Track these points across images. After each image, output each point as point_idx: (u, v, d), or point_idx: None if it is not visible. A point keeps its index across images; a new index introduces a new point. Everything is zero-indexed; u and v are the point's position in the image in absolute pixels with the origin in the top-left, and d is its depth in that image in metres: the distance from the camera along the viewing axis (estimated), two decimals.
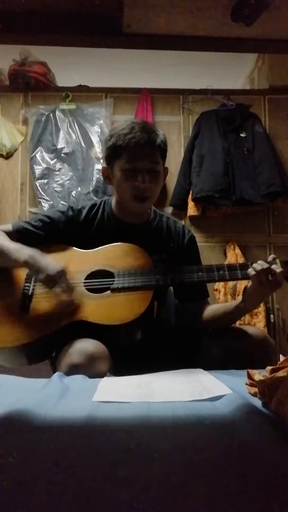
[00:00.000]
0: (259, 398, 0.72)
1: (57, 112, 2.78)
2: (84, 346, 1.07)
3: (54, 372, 1.03)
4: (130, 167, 1.22)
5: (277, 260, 1.17)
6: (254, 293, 1.17)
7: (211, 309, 1.30)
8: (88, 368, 1.02)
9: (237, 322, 1.58)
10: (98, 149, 2.70)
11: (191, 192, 2.67)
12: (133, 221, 1.33)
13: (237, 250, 2.69)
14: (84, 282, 1.21)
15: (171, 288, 1.40)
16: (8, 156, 2.79)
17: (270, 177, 2.61)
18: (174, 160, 2.76)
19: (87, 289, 1.19)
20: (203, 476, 0.50)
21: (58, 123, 2.76)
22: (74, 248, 1.29)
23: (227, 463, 0.53)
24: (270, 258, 1.18)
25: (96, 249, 1.28)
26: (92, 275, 1.22)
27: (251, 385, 0.80)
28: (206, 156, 2.67)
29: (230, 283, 2.58)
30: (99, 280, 1.20)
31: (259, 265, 1.14)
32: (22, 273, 1.26)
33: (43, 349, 1.21)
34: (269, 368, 0.74)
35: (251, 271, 1.14)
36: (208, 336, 1.26)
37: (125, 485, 0.48)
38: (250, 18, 1.90)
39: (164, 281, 1.21)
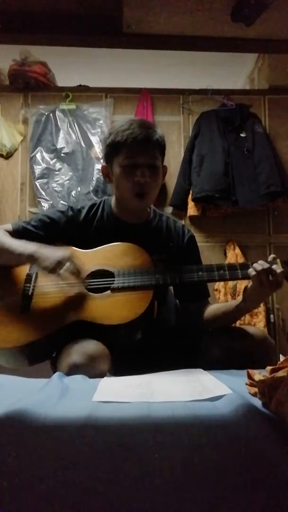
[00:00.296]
0: (259, 398, 0.73)
1: (57, 112, 2.77)
2: (84, 346, 1.07)
3: (54, 372, 1.03)
4: (129, 162, 1.22)
5: (278, 260, 1.17)
6: (255, 293, 1.17)
7: (211, 309, 1.30)
8: (88, 368, 1.02)
9: (237, 322, 1.59)
10: (98, 149, 2.70)
11: (191, 192, 2.67)
12: (132, 221, 1.33)
13: (237, 250, 2.69)
14: (84, 282, 1.21)
15: (171, 288, 1.39)
16: (8, 156, 2.79)
17: (270, 177, 2.61)
18: (174, 160, 2.76)
19: (87, 289, 1.19)
20: (203, 476, 0.50)
21: (58, 123, 2.76)
22: (74, 248, 1.29)
23: (227, 463, 0.53)
24: (270, 258, 1.18)
25: (96, 249, 1.28)
26: (92, 275, 1.22)
27: (251, 385, 0.80)
28: (206, 156, 2.67)
29: (230, 283, 2.58)
30: (99, 280, 1.20)
31: (260, 265, 1.14)
32: (22, 274, 1.26)
33: (43, 349, 1.21)
34: (269, 368, 0.74)
35: (251, 271, 1.14)
36: (208, 336, 1.26)
37: (126, 485, 0.48)
38: (250, 18, 1.90)
39: (164, 281, 1.21)
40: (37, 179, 2.69)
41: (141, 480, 0.49)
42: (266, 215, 2.79)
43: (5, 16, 1.84)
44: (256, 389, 0.75)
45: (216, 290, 2.60)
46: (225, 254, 2.73)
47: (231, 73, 3.17)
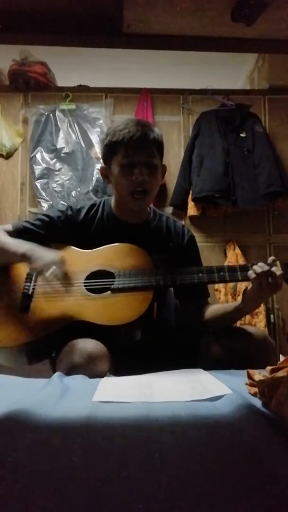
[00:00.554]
0: (259, 398, 0.73)
1: (57, 112, 2.77)
2: (84, 346, 1.07)
3: (54, 372, 1.03)
4: (127, 161, 1.22)
5: (277, 262, 1.17)
6: (254, 295, 1.17)
7: (211, 310, 1.30)
8: (88, 368, 1.02)
9: (238, 322, 1.58)
10: (98, 149, 2.70)
11: (191, 192, 2.67)
12: (132, 221, 1.33)
13: (237, 250, 2.69)
14: (84, 282, 1.21)
15: (171, 288, 1.39)
16: (8, 156, 2.79)
17: (270, 177, 2.61)
18: (174, 160, 2.76)
19: (87, 289, 1.19)
20: (203, 476, 0.50)
21: (58, 123, 2.76)
22: (74, 248, 1.29)
23: (227, 463, 0.53)
24: (270, 260, 1.18)
25: (96, 249, 1.28)
26: (92, 275, 1.22)
27: (251, 385, 0.80)
28: (206, 156, 2.67)
29: (231, 283, 2.58)
30: (100, 280, 1.20)
31: (259, 267, 1.14)
32: (22, 273, 1.26)
33: (43, 349, 1.21)
34: (269, 368, 0.74)
35: (251, 274, 1.14)
36: (208, 336, 1.26)
37: (126, 485, 0.48)
38: (250, 18, 1.90)
39: (165, 282, 1.21)
40: (37, 179, 2.69)
41: (141, 480, 0.49)
42: (266, 215, 2.79)
43: (5, 16, 1.83)
44: (256, 389, 0.75)
45: (217, 290, 2.60)
46: (225, 254, 2.73)
47: (231, 73, 3.16)
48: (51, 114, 2.78)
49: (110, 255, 1.26)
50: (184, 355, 1.24)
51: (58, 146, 2.72)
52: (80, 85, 2.92)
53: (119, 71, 2.97)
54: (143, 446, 0.57)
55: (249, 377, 0.81)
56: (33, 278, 1.24)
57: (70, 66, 2.88)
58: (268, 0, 1.83)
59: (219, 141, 2.69)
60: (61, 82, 2.94)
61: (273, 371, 0.72)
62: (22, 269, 1.26)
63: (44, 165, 2.71)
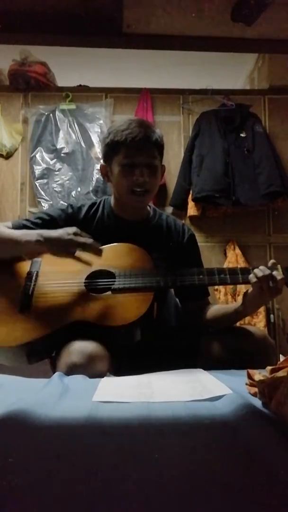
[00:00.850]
0: (259, 398, 0.73)
1: (57, 112, 2.78)
2: (84, 346, 1.07)
3: (54, 372, 1.03)
4: (128, 161, 1.23)
5: (278, 266, 1.17)
6: (254, 299, 1.17)
7: (211, 310, 1.30)
8: (88, 368, 1.02)
9: (237, 322, 1.58)
10: (98, 149, 2.70)
11: (191, 192, 2.67)
12: (132, 219, 1.34)
13: (237, 250, 2.69)
14: (84, 282, 1.21)
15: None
16: (8, 156, 2.79)
17: (270, 177, 2.61)
18: (174, 160, 2.76)
19: (87, 289, 1.19)
20: (203, 476, 0.50)
21: (58, 123, 2.76)
22: None
23: (227, 463, 0.53)
24: (270, 263, 1.18)
25: None
26: (92, 275, 1.22)
27: (251, 385, 0.80)
28: (206, 156, 2.67)
29: None
30: (100, 280, 1.20)
31: (261, 271, 1.13)
32: (23, 272, 1.26)
33: (43, 348, 1.21)
34: (269, 368, 0.74)
35: (252, 278, 1.14)
36: (208, 336, 1.26)
37: (125, 485, 0.48)
38: (250, 18, 1.90)
39: (165, 283, 1.20)
40: (37, 179, 2.69)
41: (141, 480, 0.49)
42: (266, 215, 2.80)
43: (5, 16, 1.83)
44: (256, 389, 0.75)
45: (216, 290, 2.60)
46: (225, 254, 2.73)
47: (231, 73, 3.17)
48: (51, 114, 2.78)
49: (111, 255, 1.26)
50: (184, 355, 1.24)
51: (58, 146, 2.72)
52: (80, 85, 2.92)
53: (119, 71, 2.98)
54: (143, 446, 0.57)
55: (249, 377, 0.81)
56: (34, 277, 1.24)
57: (70, 66, 2.88)
58: (268, 0, 1.83)
59: (219, 141, 2.69)
60: (61, 82, 2.94)
61: (273, 371, 0.72)
62: (22, 268, 1.26)
63: (44, 165, 2.71)
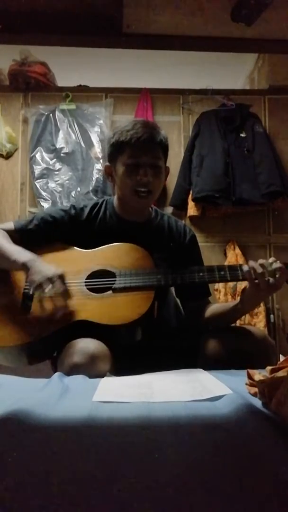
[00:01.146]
0: (259, 398, 0.72)
1: (57, 112, 2.77)
2: (85, 346, 1.07)
3: (54, 372, 1.03)
4: (132, 162, 1.23)
5: (278, 262, 1.16)
6: (251, 295, 1.17)
7: (211, 309, 1.30)
8: (89, 368, 1.02)
9: (237, 322, 1.58)
10: (97, 149, 2.70)
11: (191, 192, 2.67)
12: (134, 219, 1.34)
13: (237, 250, 2.69)
14: (85, 282, 1.21)
15: (172, 287, 1.39)
16: (8, 156, 2.79)
17: (270, 177, 2.61)
18: (174, 160, 2.76)
19: (88, 288, 1.19)
20: (203, 476, 0.50)
21: (58, 123, 2.76)
22: (75, 247, 1.29)
23: (227, 463, 0.53)
24: (270, 260, 1.18)
25: (97, 248, 1.28)
26: (93, 275, 1.22)
27: (251, 385, 0.80)
28: (206, 156, 2.67)
29: (230, 283, 2.58)
30: (101, 280, 1.20)
31: (259, 266, 1.13)
32: (23, 273, 1.26)
33: (44, 349, 1.21)
34: (269, 368, 0.74)
35: (247, 273, 1.14)
36: (208, 336, 1.26)
37: (126, 485, 0.48)
38: (250, 18, 1.91)
39: (166, 282, 1.21)
40: (37, 179, 2.69)
41: (142, 480, 0.49)
42: (266, 215, 2.79)
43: (5, 16, 1.84)
44: (256, 389, 0.75)
45: (216, 290, 2.60)
46: (225, 254, 2.73)
47: (231, 73, 3.17)
48: (51, 114, 2.78)
49: (111, 255, 1.26)
50: (184, 355, 1.24)
51: (58, 146, 2.72)
52: (80, 85, 2.92)
53: (119, 71, 2.98)
54: (143, 446, 0.57)
55: (249, 377, 0.81)
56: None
57: (70, 66, 2.89)
58: (268, 0, 1.83)
59: (219, 141, 2.69)
60: (61, 82, 2.94)
61: (273, 371, 0.72)
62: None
63: (44, 165, 2.71)
